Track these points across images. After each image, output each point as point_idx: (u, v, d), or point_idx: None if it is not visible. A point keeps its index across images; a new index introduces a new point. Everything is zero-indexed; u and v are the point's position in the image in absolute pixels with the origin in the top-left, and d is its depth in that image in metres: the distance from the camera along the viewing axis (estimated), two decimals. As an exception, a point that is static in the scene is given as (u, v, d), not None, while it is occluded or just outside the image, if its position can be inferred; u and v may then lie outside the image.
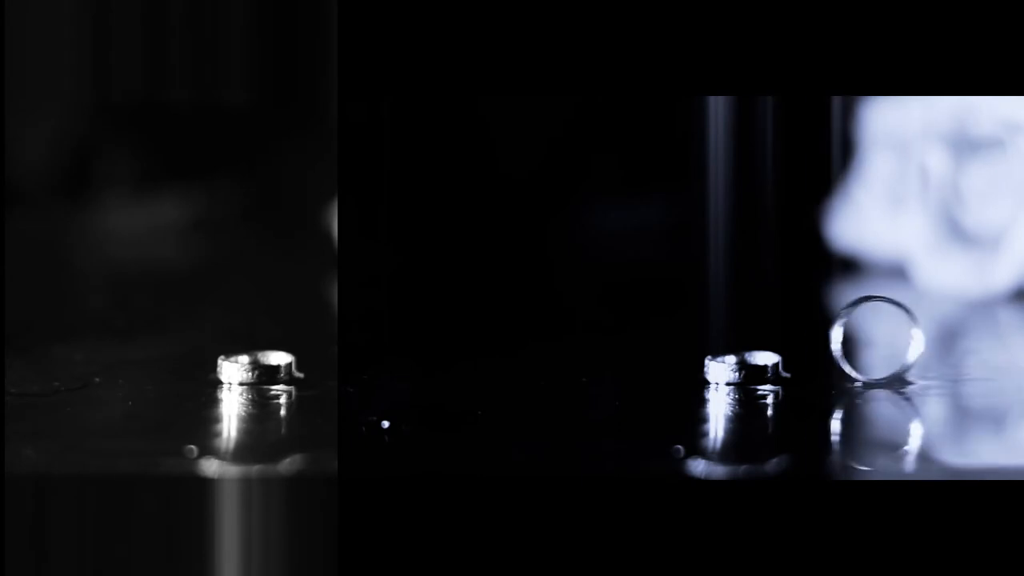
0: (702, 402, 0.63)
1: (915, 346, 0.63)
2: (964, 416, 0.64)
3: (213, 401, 0.63)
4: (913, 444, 0.59)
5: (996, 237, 0.81)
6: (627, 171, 0.92)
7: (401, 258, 0.87)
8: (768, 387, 0.63)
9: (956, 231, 0.82)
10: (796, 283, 0.84)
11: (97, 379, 0.65)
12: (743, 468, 0.56)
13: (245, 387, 0.64)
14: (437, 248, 0.88)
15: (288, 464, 0.56)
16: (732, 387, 0.63)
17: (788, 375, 0.64)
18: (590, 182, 0.93)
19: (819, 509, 0.54)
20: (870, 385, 0.63)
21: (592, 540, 0.54)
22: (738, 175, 0.84)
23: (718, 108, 0.84)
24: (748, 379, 0.63)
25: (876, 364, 0.65)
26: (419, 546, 0.54)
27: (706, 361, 0.64)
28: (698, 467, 0.55)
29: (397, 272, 0.85)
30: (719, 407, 0.62)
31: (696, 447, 0.57)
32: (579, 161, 0.91)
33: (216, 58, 0.90)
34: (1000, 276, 0.81)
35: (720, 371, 0.63)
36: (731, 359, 0.64)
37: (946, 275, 0.82)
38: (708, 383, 0.64)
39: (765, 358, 0.64)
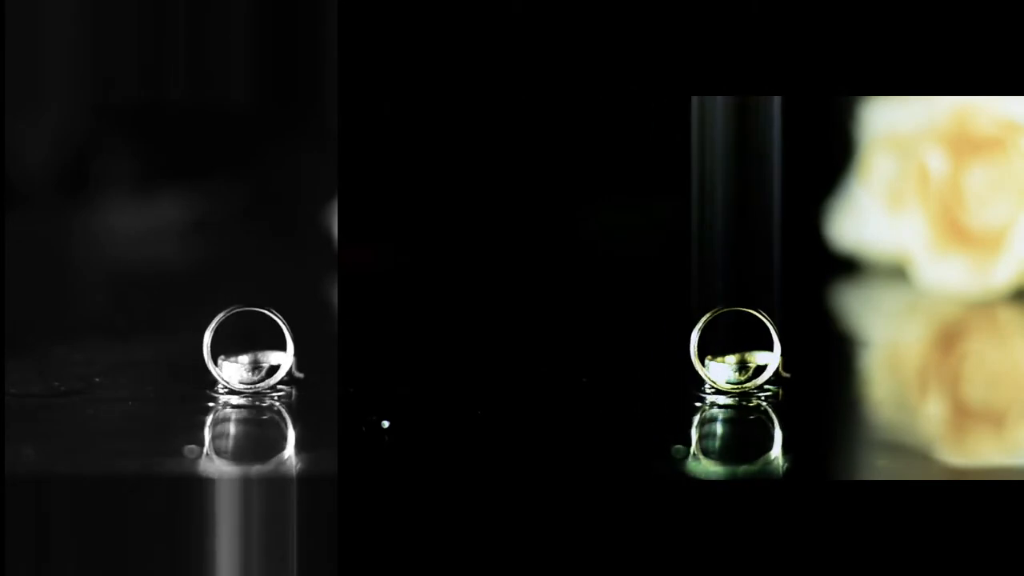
0: (701, 403, 0.62)
1: (775, 356, 0.63)
2: (964, 416, 0.64)
3: (213, 401, 0.63)
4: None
5: (996, 237, 0.81)
6: (626, 172, 0.92)
7: (401, 258, 0.87)
8: (768, 387, 0.63)
9: (956, 231, 0.82)
10: (796, 283, 0.84)
11: (97, 379, 0.65)
12: (742, 468, 0.56)
13: (245, 387, 0.64)
14: (437, 247, 0.88)
15: (288, 464, 0.56)
16: (731, 387, 0.63)
17: (788, 375, 0.64)
18: (591, 183, 0.93)
19: (819, 509, 0.54)
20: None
21: (592, 540, 0.54)
22: (738, 175, 0.84)
23: (719, 108, 0.84)
24: (748, 379, 0.63)
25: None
26: (419, 546, 0.54)
27: (706, 361, 0.64)
28: (698, 467, 0.55)
29: (397, 272, 0.85)
30: (718, 407, 0.62)
31: (696, 447, 0.57)
32: (582, 162, 0.91)
33: (216, 58, 0.90)
34: (1000, 276, 0.81)
35: (720, 371, 0.63)
36: (731, 359, 0.64)
37: (946, 275, 0.82)
38: (708, 383, 0.64)
39: (765, 358, 0.64)
